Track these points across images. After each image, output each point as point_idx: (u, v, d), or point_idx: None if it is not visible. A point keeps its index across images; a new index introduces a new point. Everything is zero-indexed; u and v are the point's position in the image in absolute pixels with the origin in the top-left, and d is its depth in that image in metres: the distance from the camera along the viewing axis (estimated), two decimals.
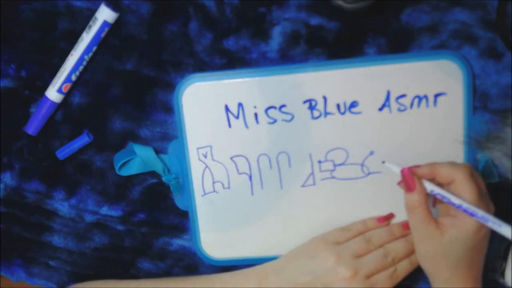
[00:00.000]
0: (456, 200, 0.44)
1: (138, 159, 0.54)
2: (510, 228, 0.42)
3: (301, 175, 0.53)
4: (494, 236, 0.46)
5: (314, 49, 0.51)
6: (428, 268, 0.48)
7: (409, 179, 0.45)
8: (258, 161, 0.53)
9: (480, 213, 0.43)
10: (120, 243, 0.58)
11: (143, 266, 0.58)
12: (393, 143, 0.51)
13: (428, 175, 0.46)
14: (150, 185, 0.56)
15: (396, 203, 0.52)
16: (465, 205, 0.43)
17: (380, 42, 0.50)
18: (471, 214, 0.43)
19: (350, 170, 0.52)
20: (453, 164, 0.45)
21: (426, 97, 0.50)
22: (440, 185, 0.45)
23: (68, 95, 0.55)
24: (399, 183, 0.48)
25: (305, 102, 0.51)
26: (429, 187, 0.45)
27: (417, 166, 0.46)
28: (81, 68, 0.53)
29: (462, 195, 0.44)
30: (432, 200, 0.48)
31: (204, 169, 0.54)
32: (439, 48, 0.49)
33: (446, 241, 0.45)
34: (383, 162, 0.48)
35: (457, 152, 0.51)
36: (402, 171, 0.46)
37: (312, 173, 0.53)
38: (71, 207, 0.58)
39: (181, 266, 0.57)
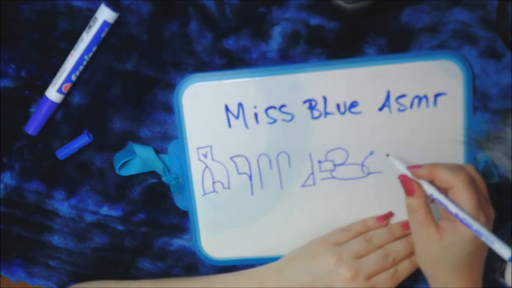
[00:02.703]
0: (453, 209, 0.43)
1: (138, 159, 0.54)
2: (503, 245, 0.42)
3: (301, 175, 0.53)
4: None
5: (314, 49, 0.51)
6: (427, 270, 0.48)
7: (408, 185, 0.46)
8: (258, 161, 0.53)
9: (475, 226, 0.42)
10: (120, 243, 0.58)
11: (143, 266, 0.58)
12: (393, 143, 0.51)
13: (426, 177, 0.45)
14: (150, 185, 0.56)
15: (396, 203, 0.52)
16: (461, 215, 0.43)
17: (380, 42, 0.50)
18: (466, 225, 0.43)
19: (350, 170, 0.52)
20: (453, 168, 0.44)
21: (426, 97, 0.50)
22: (439, 188, 0.45)
23: (68, 95, 0.55)
24: (400, 178, 0.47)
25: (305, 102, 0.51)
26: (429, 190, 0.45)
27: (419, 166, 0.46)
28: (81, 68, 0.53)
29: (460, 203, 0.43)
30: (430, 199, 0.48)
31: (204, 169, 0.54)
32: (439, 48, 0.49)
33: (445, 245, 0.44)
34: (387, 155, 0.48)
35: (457, 152, 0.51)
36: (400, 177, 0.46)
37: (312, 173, 0.53)
38: (71, 207, 0.58)
39: (181, 266, 0.57)
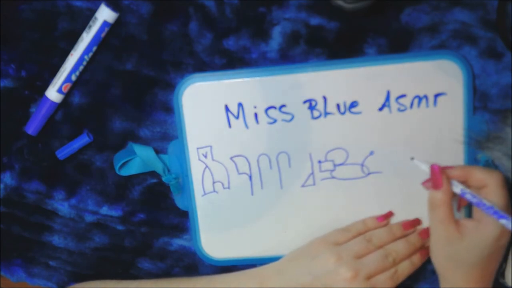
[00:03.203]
0: (487, 202, 0.43)
1: (138, 159, 0.54)
2: None
3: (301, 175, 0.53)
4: None
5: (314, 49, 0.51)
6: (441, 268, 0.48)
7: (438, 176, 0.45)
8: (258, 161, 0.53)
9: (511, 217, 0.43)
10: (120, 243, 0.58)
11: (143, 266, 0.58)
12: (393, 143, 0.51)
13: (460, 177, 0.46)
14: (150, 185, 0.56)
15: (396, 203, 0.52)
16: (496, 207, 0.43)
17: (380, 42, 0.50)
18: (502, 217, 0.42)
19: (350, 170, 0.52)
20: (486, 169, 0.45)
21: (426, 97, 0.50)
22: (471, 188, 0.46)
23: (68, 95, 0.55)
24: (424, 183, 0.47)
25: (305, 102, 0.51)
26: (459, 186, 0.45)
27: (450, 167, 0.46)
28: (81, 68, 0.53)
29: (495, 201, 0.44)
30: (457, 204, 0.48)
31: (204, 169, 0.54)
32: (439, 48, 0.49)
33: (464, 245, 0.45)
34: (412, 158, 0.48)
35: (457, 152, 0.50)
36: (432, 167, 0.46)
37: (312, 173, 0.53)
38: (71, 207, 0.58)
39: (181, 266, 0.57)
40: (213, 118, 0.53)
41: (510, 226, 0.42)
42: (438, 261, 0.48)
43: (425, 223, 0.51)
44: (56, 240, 0.59)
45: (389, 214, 0.53)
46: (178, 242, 0.57)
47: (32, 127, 0.55)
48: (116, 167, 0.54)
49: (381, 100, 0.50)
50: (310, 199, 0.53)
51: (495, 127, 0.50)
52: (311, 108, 0.51)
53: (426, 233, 0.50)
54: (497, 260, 0.47)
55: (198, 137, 0.53)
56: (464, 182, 0.46)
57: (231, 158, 0.53)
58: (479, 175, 0.45)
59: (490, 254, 0.45)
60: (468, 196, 0.45)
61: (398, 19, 0.50)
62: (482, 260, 0.45)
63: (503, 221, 0.43)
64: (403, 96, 0.50)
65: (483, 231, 0.44)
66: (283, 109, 0.52)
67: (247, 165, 0.53)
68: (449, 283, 0.47)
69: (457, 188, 0.45)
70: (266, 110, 0.52)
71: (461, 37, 0.49)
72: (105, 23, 0.51)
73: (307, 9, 0.50)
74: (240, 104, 0.52)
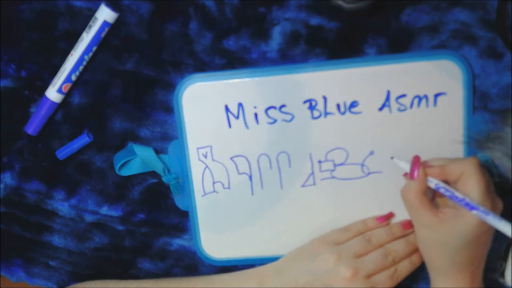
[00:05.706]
0: (459, 194, 0.44)
1: (138, 159, 0.54)
2: (509, 225, 0.42)
3: (301, 175, 0.53)
4: (494, 236, 0.46)
5: (314, 49, 0.51)
6: (426, 256, 0.48)
7: (416, 167, 0.46)
8: (258, 161, 0.53)
9: (482, 208, 0.43)
10: (120, 243, 0.58)
11: (143, 266, 0.58)
12: (393, 143, 0.51)
13: (438, 176, 0.46)
14: (150, 185, 0.56)
15: (397, 203, 0.52)
16: (468, 199, 0.43)
17: (380, 42, 0.50)
18: (473, 208, 0.43)
19: (350, 170, 0.52)
20: (460, 158, 0.46)
21: (426, 97, 0.50)
22: (449, 183, 0.46)
23: (68, 95, 0.55)
24: (404, 174, 0.48)
25: (305, 102, 0.51)
26: (434, 181, 0.46)
27: (429, 166, 0.46)
28: (81, 68, 0.53)
29: (470, 187, 0.44)
30: (431, 195, 0.48)
31: (204, 169, 0.54)
32: (439, 48, 0.49)
33: (446, 231, 0.45)
34: (392, 157, 0.49)
35: (457, 152, 0.51)
36: (414, 157, 0.47)
37: (312, 173, 0.53)
38: (71, 207, 0.58)
39: (181, 266, 0.57)
40: (213, 118, 0.53)
41: (481, 216, 0.43)
42: (423, 249, 0.48)
43: None
44: (56, 240, 0.59)
45: (390, 215, 0.53)
46: (178, 242, 0.57)
47: (32, 127, 0.55)
48: (116, 167, 0.54)
49: (381, 100, 0.50)
50: (310, 199, 0.53)
51: (495, 127, 0.50)
52: (311, 108, 0.51)
53: (407, 224, 0.51)
54: (483, 247, 0.47)
55: (198, 137, 0.53)
56: (444, 181, 0.46)
57: (231, 158, 0.53)
58: (453, 167, 0.45)
59: (473, 240, 0.45)
60: (442, 190, 0.45)
61: (398, 19, 0.50)
62: (466, 246, 0.45)
63: (474, 212, 0.43)
64: (403, 96, 0.50)
65: (463, 218, 0.44)
66: (283, 109, 0.52)
67: (247, 165, 0.53)
68: (436, 273, 0.47)
69: (432, 183, 0.46)
70: (266, 110, 0.52)
71: (461, 37, 0.49)
72: (105, 23, 0.51)
73: (307, 9, 0.50)
74: (240, 104, 0.52)
